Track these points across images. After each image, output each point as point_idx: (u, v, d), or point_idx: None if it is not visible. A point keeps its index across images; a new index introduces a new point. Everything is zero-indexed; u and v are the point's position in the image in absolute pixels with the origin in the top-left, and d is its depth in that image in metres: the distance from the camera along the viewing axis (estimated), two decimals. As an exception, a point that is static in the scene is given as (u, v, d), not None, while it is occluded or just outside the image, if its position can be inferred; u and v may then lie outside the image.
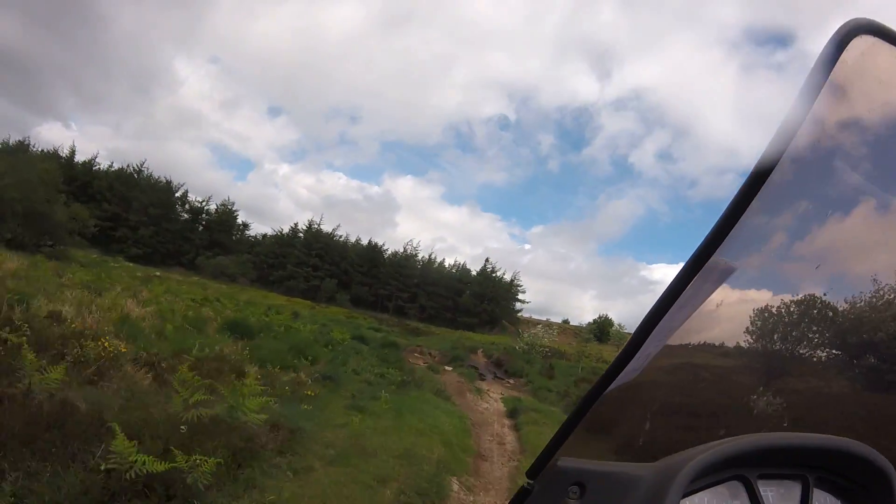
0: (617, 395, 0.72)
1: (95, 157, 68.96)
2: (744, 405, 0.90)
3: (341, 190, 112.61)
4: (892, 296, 0.84)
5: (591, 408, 0.72)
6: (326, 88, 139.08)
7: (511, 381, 23.95)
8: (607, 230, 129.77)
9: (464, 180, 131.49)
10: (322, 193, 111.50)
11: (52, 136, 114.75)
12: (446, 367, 23.98)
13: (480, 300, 76.96)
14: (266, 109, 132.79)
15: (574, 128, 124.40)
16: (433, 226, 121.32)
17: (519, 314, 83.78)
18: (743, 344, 0.89)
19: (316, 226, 78.16)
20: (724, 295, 0.70)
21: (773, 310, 0.87)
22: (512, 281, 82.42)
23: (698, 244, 0.62)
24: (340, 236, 79.64)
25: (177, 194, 72.41)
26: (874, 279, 0.82)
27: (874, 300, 0.85)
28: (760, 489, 0.74)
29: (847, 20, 0.61)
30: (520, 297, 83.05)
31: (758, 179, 0.59)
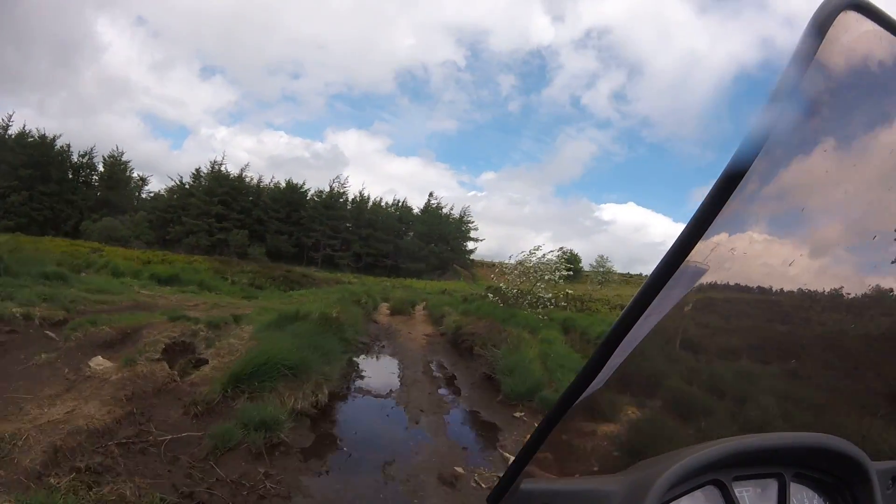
0: (582, 409, 0.69)
1: None
2: (715, 408, 0.98)
3: (284, 149, 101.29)
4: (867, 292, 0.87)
5: (555, 427, 0.68)
6: (265, 43, 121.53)
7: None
8: (563, 172, 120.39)
9: (412, 131, 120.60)
10: (264, 154, 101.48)
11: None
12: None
13: (426, 241, 65.21)
14: (200, 70, 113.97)
15: (527, 71, 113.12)
16: (383, 178, 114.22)
17: (471, 256, 72.43)
18: (713, 346, 0.90)
19: (217, 167, 62.51)
20: (693, 297, 0.69)
21: (744, 310, 0.86)
22: (462, 217, 71.03)
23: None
24: (250, 178, 66.61)
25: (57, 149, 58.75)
26: (852, 274, 0.85)
27: (849, 296, 0.86)
28: (736, 491, 0.74)
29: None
30: (472, 235, 71.04)
31: (738, 168, 0.56)
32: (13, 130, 57.28)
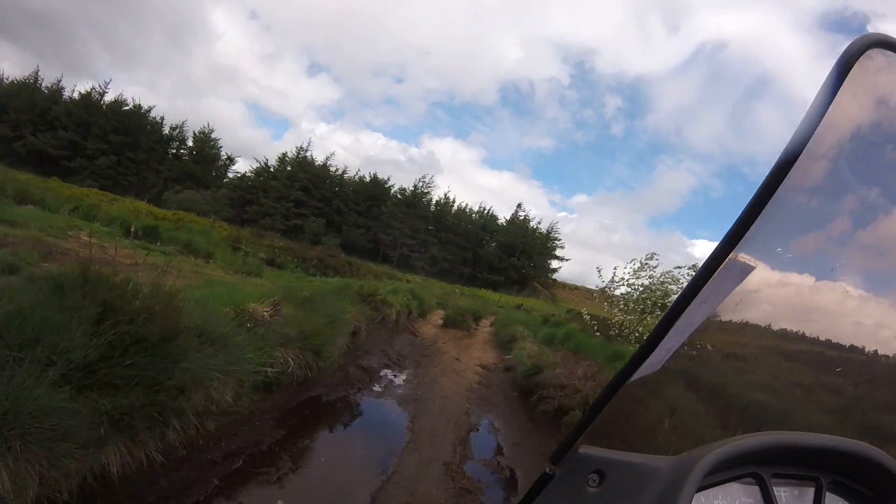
0: (637, 388, 0.74)
1: (59, 82, 60.56)
2: (763, 403, 0.96)
3: (380, 150, 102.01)
4: None
5: (612, 399, 0.72)
6: (372, 44, 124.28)
7: None
8: (658, 202, 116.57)
9: (508, 145, 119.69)
10: (360, 154, 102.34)
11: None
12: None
13: (508, 253, 60.73)
14: (307, 66, 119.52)
15: (629, 95, 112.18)
16: (474, 189, 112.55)
17: (553, 275, 67.35)
18: (763, 342, 0.91)
19: (303, 153, 61.63)
20: (743, 293, 0.72)
21: (792, 309, 0.88)
22: (549, 233, 65.35)
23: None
24: (335, 168, 65.12)
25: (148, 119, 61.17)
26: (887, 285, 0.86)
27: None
28: (774, 489, 0.75)
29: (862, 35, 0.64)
30: (557, 253, 65.54)
31: (773, 182, 0.60)
32: (108, 98, 59.83)
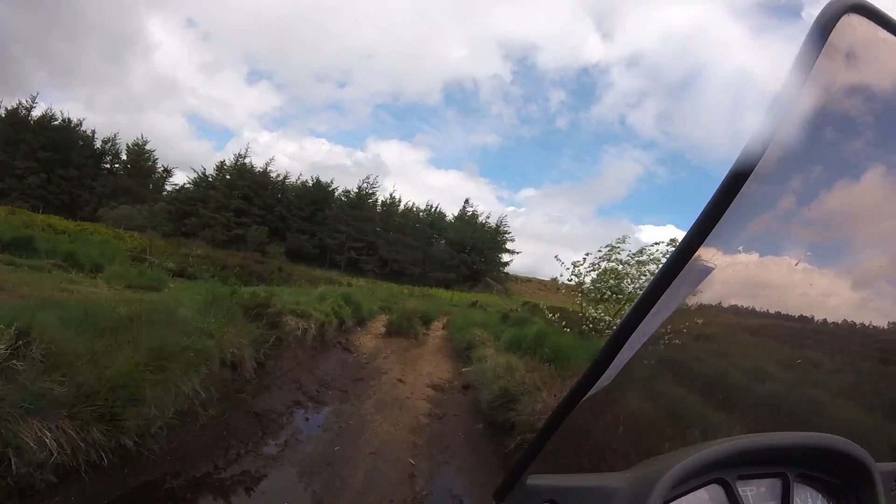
0: (589, 405, 0.69)
1: None
2: (721, 407, 0.95)
3: (325, 156, 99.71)
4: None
5: (563, 421, 0.69)
6: (313, 50, 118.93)
7: None
8: (605, 192, 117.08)
9: (453, 144, 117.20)
10: (305, 160, 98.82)
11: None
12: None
13: (458, 250, 59.47)
14: (247, 74, 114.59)
15: (573, 89, 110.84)
16: (422, 190, 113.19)
17: (506, 269, 67.12)
18: (720, 346, 0.93)
19: (242, 160, 58.42)
20: (700, 296, 0.70)
21: (751, 310, 0.87)
22: (498, 227, 64.63)
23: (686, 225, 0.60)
24: (276, 174, 62.71)
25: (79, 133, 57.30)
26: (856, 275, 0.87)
27: (853, 297, 0.89)
28: (740, 490, 0.74)
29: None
30: (508, 246, 64.74)
31: (742, 172, 0.57)
32: (36, 113, 55.49)
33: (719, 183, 0.56)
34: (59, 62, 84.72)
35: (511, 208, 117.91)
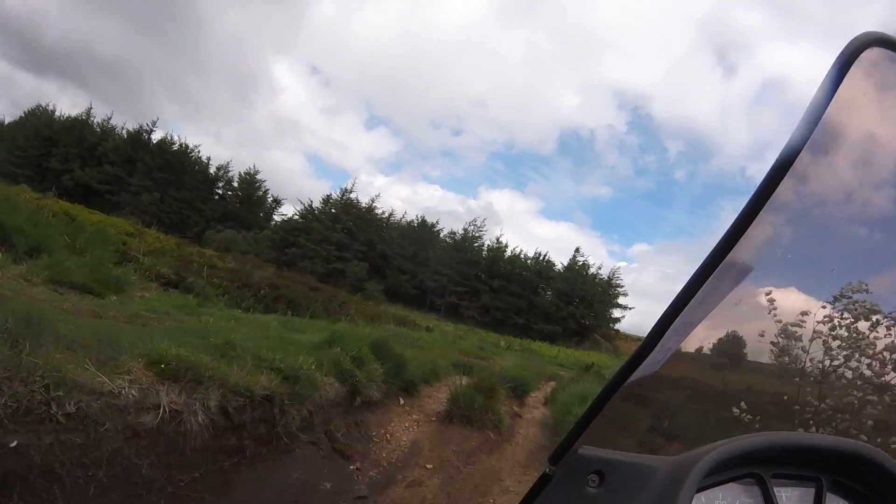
0: (636, 388, 0.74)
1: (110, 119, 61.88)
2: (761, 403, 0.98)
3: (438, 202, 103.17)
4: None
5: (611, 399, 0.73)
6: (429, 97, 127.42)
7: None
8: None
9: (565, 194, 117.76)
10: (418, 205, 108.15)
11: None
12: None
13: (566, 302, 54.20)
14: (365, 119, 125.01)
15: (689, 140, 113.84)
16: (531, 240, 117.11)
17: (616, 326, 61.87)
18: (761, 343, 0.92)
19: (348, 195, 58.75)
20: (742, 294, 0.75)
21: (790, 311, 0.91)
22: (610, 280, 58.83)
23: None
24: (381, 211, 61.90)
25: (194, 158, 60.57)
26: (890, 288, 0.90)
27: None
28: (774, 489, 0.75)
29: (859, 33, 0.64)
30: (620, 301, 58.93)
31: (770, 184, 0.61)
32: (156, 136, 60.03)
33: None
34: (191, 98, 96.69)
35: (623, 263, 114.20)
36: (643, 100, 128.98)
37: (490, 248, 60.76)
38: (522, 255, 61.53)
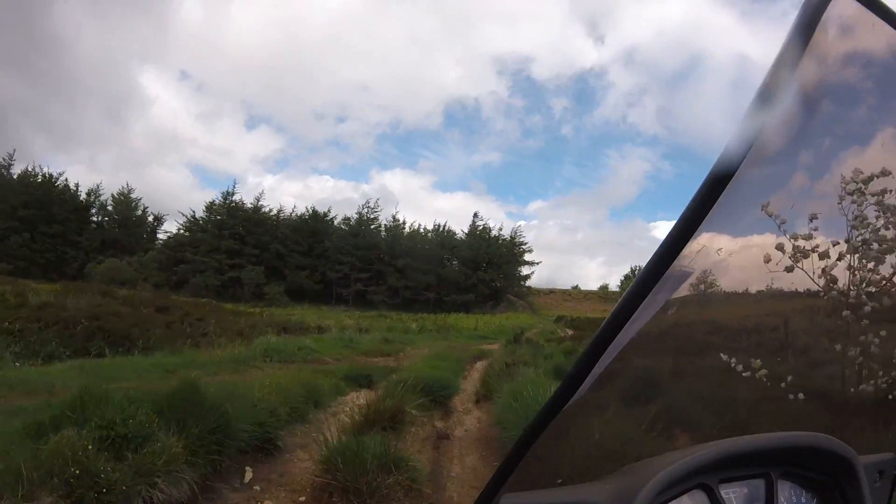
0: (566, 417, 0.68)
1: None
2: (701, 411, 0.93)
3: (331, 192, 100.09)
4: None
5: (540, 436, 0.67)
6: (309, 89, 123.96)
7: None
8: (615, 195, 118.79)
9: (457, 165, 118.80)
10: (311, 199, 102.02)
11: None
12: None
13: (474, 268, 53.55)
14: (245, 120, 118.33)
15: (571, 95, 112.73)
16: (430, 214, 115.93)
17: (526, 283, 63.17)
18: (698, 348, 0.90)
19: (231, 198, 54.13)
20: (678, 301, 0.70)
21: (729, 311, 0.88)
22: (513, 239, 59.09)
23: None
24: (269, 209, 58.98)
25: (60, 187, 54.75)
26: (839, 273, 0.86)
27: (832, 295, 0.88)
28: (723, 493, 0.73)
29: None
30: (526, 258, 60.15)
31: (726, 169, 0.56)
32: (16, 170, 54.20)
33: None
34: (57, 126, 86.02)
35: (521, 222, 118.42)
36: (523, 62, 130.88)
37: (388, 228, 59.93)
38: (423, 229, 61.41)
